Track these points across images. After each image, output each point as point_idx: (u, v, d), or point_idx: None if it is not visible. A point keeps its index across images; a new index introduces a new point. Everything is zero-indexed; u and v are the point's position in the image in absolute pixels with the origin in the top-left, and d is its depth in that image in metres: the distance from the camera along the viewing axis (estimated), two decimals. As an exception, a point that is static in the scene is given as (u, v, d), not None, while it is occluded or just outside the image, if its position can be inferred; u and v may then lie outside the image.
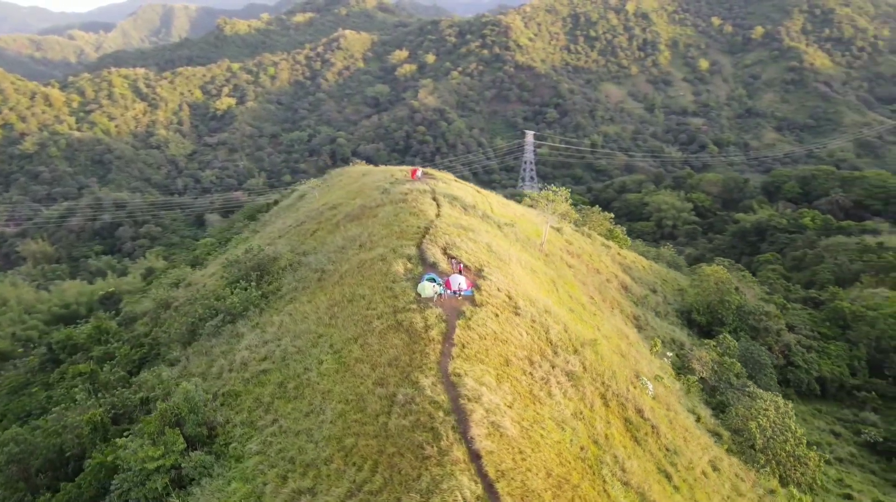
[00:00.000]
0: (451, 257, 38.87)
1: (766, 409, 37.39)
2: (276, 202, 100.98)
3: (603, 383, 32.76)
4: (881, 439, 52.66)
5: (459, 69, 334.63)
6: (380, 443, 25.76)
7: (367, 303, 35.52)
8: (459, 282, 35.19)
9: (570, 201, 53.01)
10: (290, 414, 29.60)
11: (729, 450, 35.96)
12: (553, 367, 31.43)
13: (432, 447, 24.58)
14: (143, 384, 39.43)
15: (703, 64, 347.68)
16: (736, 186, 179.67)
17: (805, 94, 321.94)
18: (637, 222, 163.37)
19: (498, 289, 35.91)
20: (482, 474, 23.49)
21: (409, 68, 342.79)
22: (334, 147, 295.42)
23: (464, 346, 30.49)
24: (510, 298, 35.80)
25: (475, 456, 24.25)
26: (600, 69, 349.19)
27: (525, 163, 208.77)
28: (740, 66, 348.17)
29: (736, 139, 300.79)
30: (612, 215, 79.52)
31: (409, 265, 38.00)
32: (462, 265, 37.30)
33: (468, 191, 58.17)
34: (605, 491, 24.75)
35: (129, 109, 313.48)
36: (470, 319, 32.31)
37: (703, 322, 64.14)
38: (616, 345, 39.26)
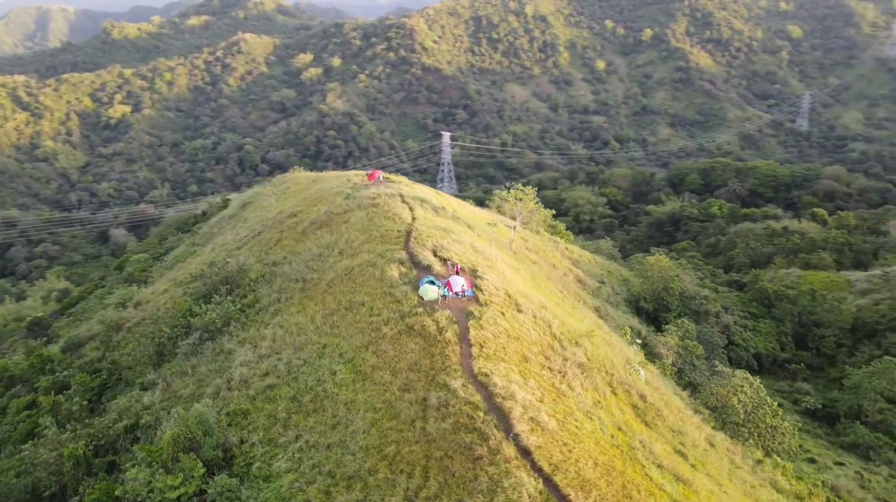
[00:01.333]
0: (443, 259, 39.07)
1: (742, 386, 40.11)
2: (204, 213, 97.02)
3: (607, 372, 34.12)
4: (820, 406, 57.54)
5: (366, 72, 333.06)
6: (424, 448, 25.70)
7: (369, 309, 35.12)
8: (460, 283, 35.50)
9: (536, 200, 54.48)
10: (313, 428, 28.85)
11: (714, 427, 38.38)
12: (565, 360, 32.42)
13: (482, 447, 24.86)
14: (125, 411, 36.97)
15: (600, 64, 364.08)
16: (644, 180, 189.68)
17: (692, 92, 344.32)
18: (557, 218, 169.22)
19: (496, 288, 36.53)
20: (537, 469, 24.04)
21: (314, 72, 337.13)
22: (242, 154, 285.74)
23: (482, 346, 30.88)
24: (509, 296, 36.52)
25: (525, 453, 24.76)
26: (504, 70, 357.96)
27: (443, 164, 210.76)
28: (634, 66, 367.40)
29: (635, 135, 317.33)
30: (553, 211, 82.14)
31: (403, 269, 37.89)
32: (459, 266, 37.61)
33: (430, 193, 58.46)
34: (646, 474, 25.91)
35: (8, 120, 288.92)
36: (480, 319, 32.72)
37: (650, 309, 67.53)
38: (600, 336, 40.88)
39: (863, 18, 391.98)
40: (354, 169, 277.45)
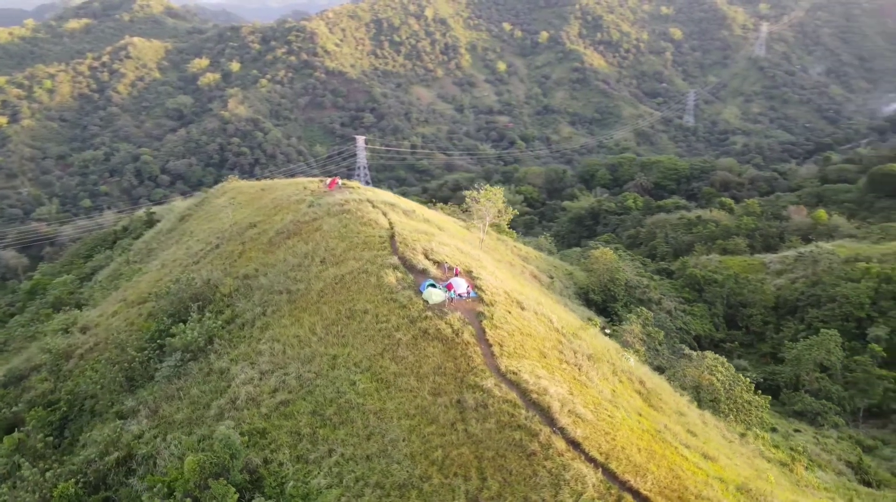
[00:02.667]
0: (437, 262, 39.22)
1: (715, 366, 42.95)
2: (125, 229, 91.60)
3: (608, 362, 35.60)
4: (761, 380, 62.18)
5: (268, 77, 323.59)
6: (472, 450, 25.94)
7: (374, 317, 34.76)
8: (462, 284, 35.85)
9: (504, 200, 55.50)
10: (346, 441, 28.30)
11: (698, 407, 40.86)
12: (575, 353, 33.55)
13: (533, 442, 25.42)
14: (112, 442, 34.48)
15: (501, 66, 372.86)
16: (557, 177, 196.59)
17: (589, 91, 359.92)
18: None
19: (496, 288, 37.17)
20: (590, 459, 24.88)
21: (212, 77, 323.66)
22: (139, 165, 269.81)
23: (501, 345, 31.43)
24: (508, 295, 37.27)
25: (574, 445, 25.53)
26: (409, 73, 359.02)
27: (358, 167, 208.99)
28: (533, 67, 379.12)
29: (539, 134, 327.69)
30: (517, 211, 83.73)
31: (399, 274, 37.74)
32: (457, 268, 37.91)
33: (393, 197, 58.18)
34: (681, 455, 27.39)
35: None
36: (492, 319, 33.25)
37: (598, 300, 70.49)
38: (593, 328, 42.47)
39: (734, 21, 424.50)
40: (263, 176, 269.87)
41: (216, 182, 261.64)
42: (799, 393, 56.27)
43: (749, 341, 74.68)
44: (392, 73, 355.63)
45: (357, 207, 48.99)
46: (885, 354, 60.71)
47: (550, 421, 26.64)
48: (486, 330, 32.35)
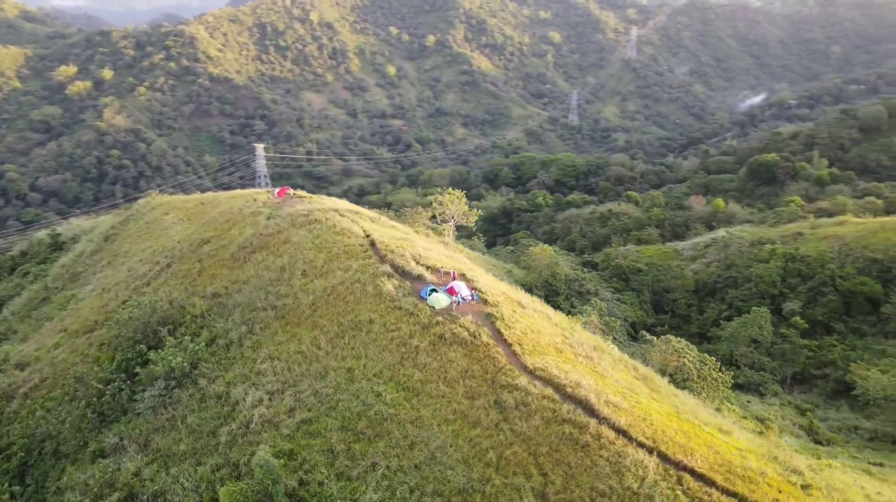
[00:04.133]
0: (430, 268, 39.32)
1: (684, 349, 46.06)
2: (25, 253, 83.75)
3: (607, 352, 37.36)
4: (698, 359, 67.00)
5: (146, 84, 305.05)
6: (525, 447, 26.52)
7: (383, 326, 34.41)
8: (464, 288, 36.26)
9: (464, 201, 56.08)
10: (387, 453, 27.91)
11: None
12: (581, 345, 34.96)
13: (584, 434, 26.39)
14: (106, 483, 31.79)
15: (391, 70, 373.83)
16: (462, 178, 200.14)
17: (479, 93, 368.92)
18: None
19: (493, 289, 37.87)
20: (640, 445, 26.18)
21: (82, 86, 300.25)
22: (3, 183, 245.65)
23: (520, 344, 32.21)
24: (506, 295, 38.10)
25: (621, 433, 26.76)
26: (297, 78, 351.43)
27: (259, 176, 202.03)
28: (422, 70, 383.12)
29: (434, 136, 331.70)
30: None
31: (396, 282, 37.53)
32: (455, 272, 38.22)
33: (351, 205, 57.18)
34: (707, 432, 29.37)
35: None
36: (503, 319, 33.93)
37: (541, 295, 72.83)
38: (581, 321, 44.18)
39: (606, 25, 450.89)
40: (149, 190, 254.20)
41: (96, 199, 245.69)
42: (739, 368, 61.31)
43: (676, 324, 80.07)
44: (280, 79, 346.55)
45: (325, 217, 47.96)
46: (806, 325, 67.60)
47: (591, 412, 27.72)
48: (502, 330, 32.98)
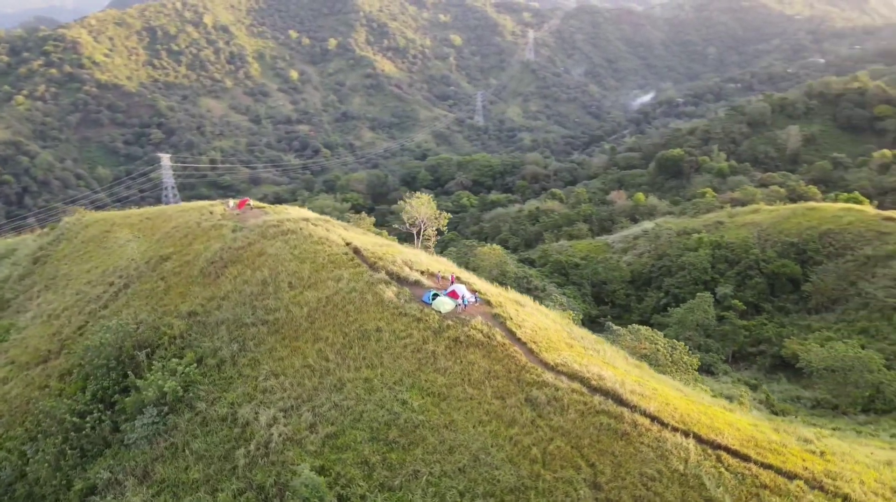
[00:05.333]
0: (425, 272, 39.33)
1: (654, 337, 48.58)
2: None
3: (606, 344, 38.88)
4: (645, 346, 70.58)
5: (25, 93, 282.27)
6: (567, 441, 27.29)
7: (393, 333, 34.15)
8: (465, 291, 36.62)
9: (433, 204, 56.12)
10: (426, 459, 27.81)
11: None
12: (583, 339, 36.22)
13: (621, 424, 27.50)
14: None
15: (294, 74, 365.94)
16: (379, 182, 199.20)
17: (384, 96, 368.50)
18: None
19: (490, 290, 38.45)
20: (674, 429, 27.58)
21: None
22: None
23: (535, 342, 32.99)
24: (502, 295, 38.78)
25: (654, 419, 28.08)
26: (194, 84, 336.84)
27: (165, 188, 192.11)
28: (326, 74, 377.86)
29: (342, 141, 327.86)
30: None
31: (395, 288, 37.32)
32: (453, 275, 38.44)
33: (312, 214, 55.73)
34: (718, 411, 31.29)
35: None
36: (512, 319, 34.60)
37: (493, 294, 74.25)
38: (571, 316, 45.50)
39: (504, 28, 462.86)
40: (36, 206, 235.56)
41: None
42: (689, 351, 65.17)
43: (617, 314, 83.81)
44: (176, 85, 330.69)
45: (298, 227, 46.76)
46: (745, 307, 72.91)
47: (620, 401, 28.90)
48: (514, 330, 33.61)
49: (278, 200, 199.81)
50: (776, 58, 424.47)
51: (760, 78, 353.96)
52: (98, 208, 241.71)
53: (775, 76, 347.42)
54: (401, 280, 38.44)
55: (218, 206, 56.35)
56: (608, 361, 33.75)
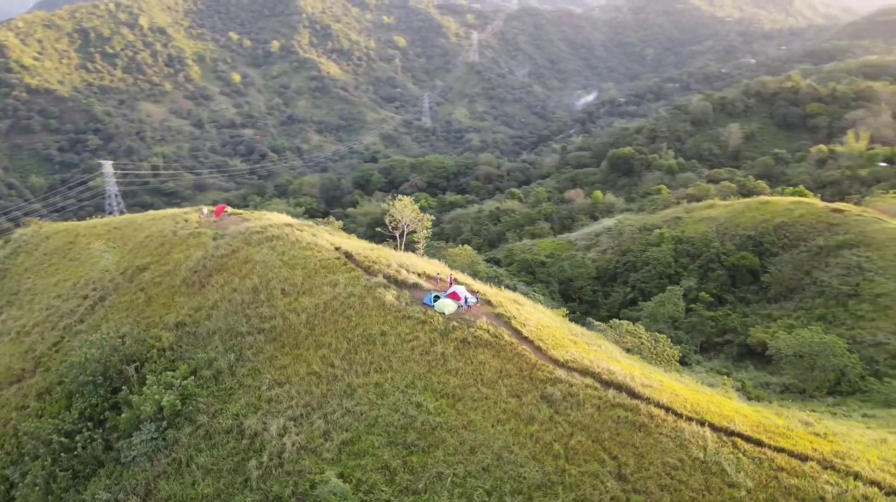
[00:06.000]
0: (421, 275, 39.31)
1: (636, 330, 49.88)
2: None
3: (603, 340, 39.72)
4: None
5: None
6: (587, 435, 27.82)
7: (398, 336, 34.02)
8: (465, 292, 36.81)
9: (415, 207, 55.89)
10: (448, 460, 27.85)
11: (636, 365, 47.17)
12: (583, 335, 36.93)
13: (638, 416, 28.22)
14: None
15: (236, 77, 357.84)
16: (333, 185, 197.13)
17: (331, 99, 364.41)
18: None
19: (489, 291, 38.76)
20: (689, 418, 28.46)
21: None
22: None
23: (541, 340, 33.46)
24: (500, 295, 39.14)
25: (667, 410, 28.91)
26: (132, 88, 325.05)
27: (108, 196, 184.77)
28: (269, 77, 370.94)
29: (289, 144, 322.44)
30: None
31: (395, 292, 37.18)
32: (451, 278, 38.54)
33: (289, 219, 54.75)
34: (722, 399, 32.45)
35: None
36: (516, 318, 34.99)
37: (466, 294, 74.68)
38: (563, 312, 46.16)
39: (448, 30, 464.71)
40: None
41: None
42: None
43: (585, 310, 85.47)
44: (112, 89, 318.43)
45: (284, 233, 45.96)
46: (712, 299, 75.54)
47: (633, 394, 29.63)
48: (519, 329, 33.99)
49: (229, 205, 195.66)
50: (710, 58, 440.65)
51: (697, 78, 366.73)
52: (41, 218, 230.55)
53: (711, 76, 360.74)
54: (399, 283, 38.32)
55: (192, 214, 54.75)
56: (613, 356, 34.52)
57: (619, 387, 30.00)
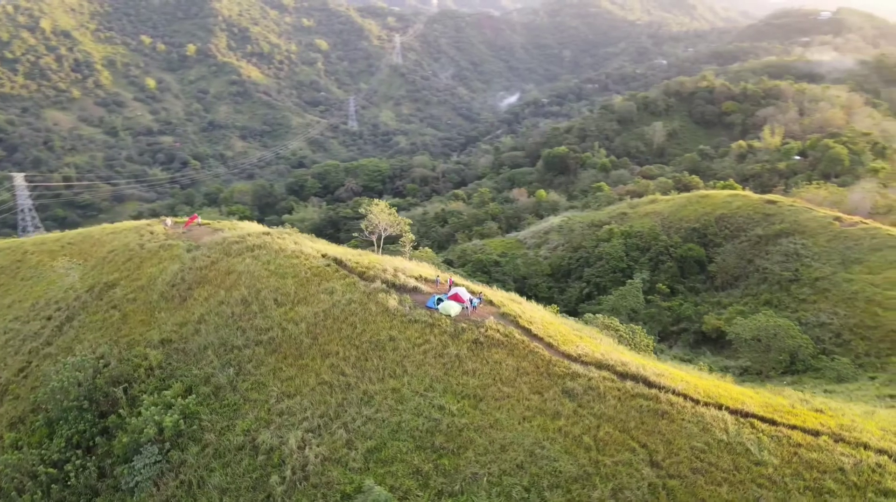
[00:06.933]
0: (418, 278, 39.16)
1: (611, 322, 51.50)
2: None
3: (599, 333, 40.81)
4: (579, 332, 74.19)
5: None
6: (614, 426, 28.62)
7: (407, 341, 33.87)
8: (467, 294, 37.01)
9: (392, 211, 55.20)
10: (480, 460, 27.98)
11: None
12: (583, 330, 37.86)
13: (659, 404, 29.26)
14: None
15: (150, 82, 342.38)
16: (266, 192, 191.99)
17: (253, 104, 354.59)
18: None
19: (488, 291, 39.08)
20: (706, 404, 29.72)
21: None
22: None
23: (550, 336, 34.09)
24: (501, 294, 39.55)
25: (685, 397, 30.11)
26: (35, 95, 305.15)
27: (22, 210, 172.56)
28: (186, 82, 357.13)
29: (211, 151, 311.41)
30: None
31: (396, 296, 36.92)
32: (451, 279, 38.58)
33: (265, 228, 53.03)
34: (729, 385, 34.04)
35: None
36: (522, 316, 35.50)
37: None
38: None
39: (371, 33, 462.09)
40: None
41: None
42: (624, 334, 69.48)
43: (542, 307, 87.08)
44: (13, 97, 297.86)
45: (264, 242, 44.68)
46: (668, 290, 78.68)
47: (648, 383, 30.69)
48: (527, 327, 34.49)
49: (156, 214, 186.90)
50: (624, 60, 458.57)
51: (614, 78, 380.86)
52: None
53: (627, 76, 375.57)
54: (398, 288, 38.07)
55: (156, 226, 52.22)
56: (617, 348, 35.58)
57: (635, 378, 30.98)
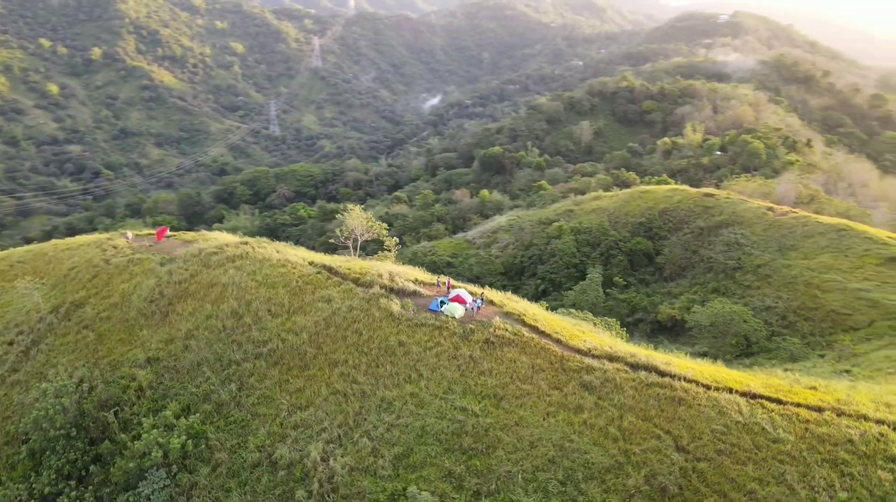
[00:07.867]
0: (417, 282, 38.91)
1: (585, 317, 52.95)
2: None
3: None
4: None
5: None
6: (636, 415, 29.54)
7: (419, 344, 33.66)
8: (468, 295, 37.16)
9: (367, 215, 54.13)
10: (511, 459, 28.20)
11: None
12: (580, 324, 38.77)
13: (674, 391, 30.43)
14: None
15: (53, 88, 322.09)
16: (192, 201, 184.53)
17: (167, 109, 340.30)
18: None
19: (487, 292, 39.35)
20: (717, 389, 31.11)
21: None
22: None
23: (557, 333, 34.73)
24: (497, 294, 39.88)
25: (696, 383, 31.42)
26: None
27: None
28: (93, 87, 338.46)
29: (125, 160, 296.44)
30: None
31: (398, 301, 36.58)
32: (449, 282, 38.54)
33: (241, 237, 50.83)
34: (724, 369, 35.69)
35: None
36: (527, 314, 35.99)
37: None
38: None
39: (288, 35, 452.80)
40: None
41: None
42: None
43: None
44: None
45: (245, 252, 43.14)
46: (625, 283, 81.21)
47: (659, 372, 31.83)
48: (534, 324, 34.99)
49: (73, 231, 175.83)
50: (541, 61, 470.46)
51: (534, 79, 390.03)
52: None
53: (546, 77, 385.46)
54: (398, 292, 37.71)
55: (118, 239, 49.26)
56: (619, 341, 36.64)
57: (647, 368, 32.06)
